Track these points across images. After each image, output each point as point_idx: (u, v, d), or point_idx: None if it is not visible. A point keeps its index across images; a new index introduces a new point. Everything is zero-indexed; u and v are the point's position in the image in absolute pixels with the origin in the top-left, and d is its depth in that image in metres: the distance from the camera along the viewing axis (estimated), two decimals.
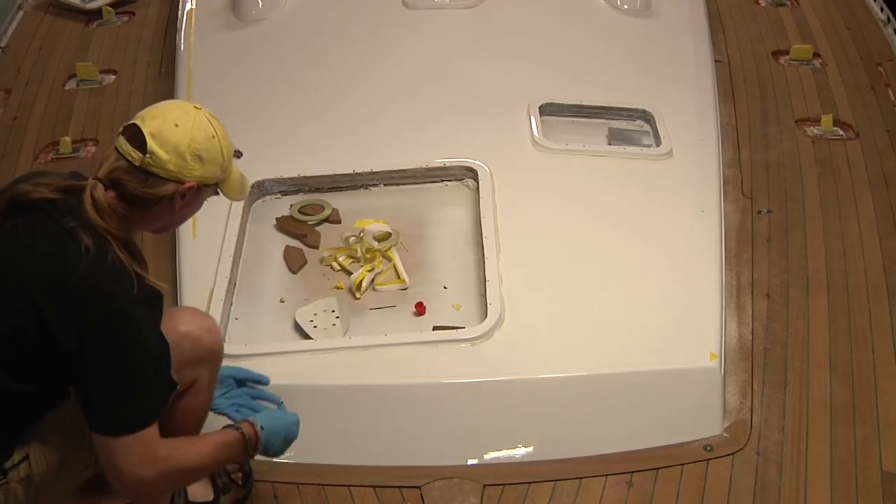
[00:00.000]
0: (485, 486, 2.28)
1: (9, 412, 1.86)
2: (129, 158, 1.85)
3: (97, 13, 4.33)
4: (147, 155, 1.85)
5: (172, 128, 1.87)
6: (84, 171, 3.30)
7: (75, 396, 1.86)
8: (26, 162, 3.46)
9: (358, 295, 2.73)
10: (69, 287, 1.75)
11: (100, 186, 1.84)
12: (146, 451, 1.80)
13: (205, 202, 2.01)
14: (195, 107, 1.94)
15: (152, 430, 1.81)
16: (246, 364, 2.44)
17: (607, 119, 3.36)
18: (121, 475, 1.80)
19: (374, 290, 2.76)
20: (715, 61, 3.73)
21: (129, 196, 1.86)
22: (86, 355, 1.76)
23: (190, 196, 1.93)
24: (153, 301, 1.85)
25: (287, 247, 2.91)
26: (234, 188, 2.04)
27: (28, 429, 1.90)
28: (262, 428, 2.00)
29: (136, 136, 1.87)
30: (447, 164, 3.09)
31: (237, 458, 2.05)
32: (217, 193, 2.02)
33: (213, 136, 1.91)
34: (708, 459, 2.36)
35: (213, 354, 2.07)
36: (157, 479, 1.82)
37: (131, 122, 1.90)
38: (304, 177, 3.08)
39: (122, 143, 1.87)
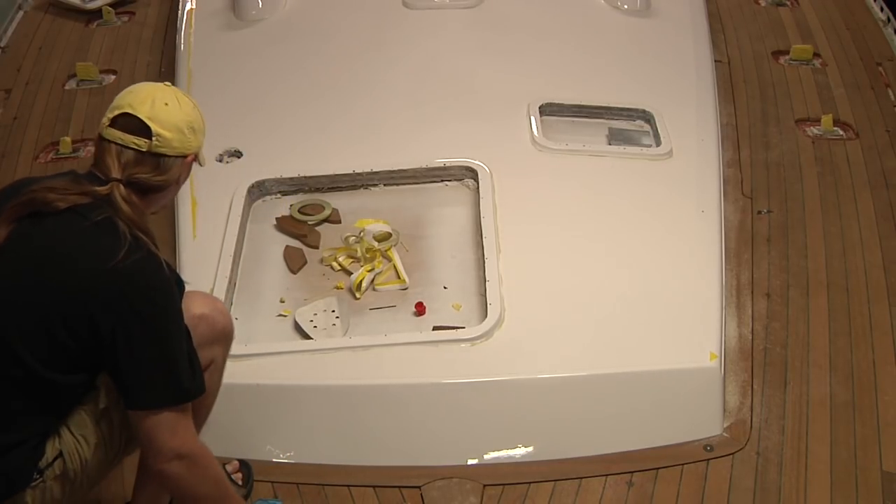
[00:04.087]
0: (485, 486, 2.28)
1: (43, 407, 1.88)
2: (135, 147, 1.89)
3: (97, 13, 4.33)
4: (154, 138, 1.89)
5: (164, 107, 1.92)
6: (83, 171, 3.34)
7: (109, 383, 1.89)
8: (26, 162, 3.46)
9: (358, 295, 2.73)
10: (109, 270, 1.80)
11: (122, 187, 1.88)
12: (186, 430, 1.86)
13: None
14: (165, 84, 1.99)
15: (188, 411, 1.87)
16: (246, 364, 2.45)
17: (607, 119, 3.36)
18: (157, 452, 1.84)
19: (374, 290, 2.76)
20: (715, 61, 3.73)
21: (146, 187, 1.92)
22: (127, 333, 1.80)
23: (187, 169, 2.00)
24: (178, 284, 1.92)
25: (287, 247, 2.90)
26: (202, 155, 2.10)
27: (59, 424, 1.92)
28: None
29: (132, 125, 1.89)
30: (447, 164, 3.10)
31: None
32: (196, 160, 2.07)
33: (195, 107, 2.00)
34: (708, 459, 2.36)
35: (227, 335, 2.11)
36: (191, 457, 1.87)
37: (117, 114, 1.91)
38: (304, 177, 3.08)
39: (120, 135, 1.89)
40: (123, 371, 1.83)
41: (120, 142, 1.90)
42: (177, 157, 1.94)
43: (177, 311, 1.88)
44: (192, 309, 1.96)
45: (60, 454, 1.90)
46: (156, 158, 1.91)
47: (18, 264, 1.84)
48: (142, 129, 1.89)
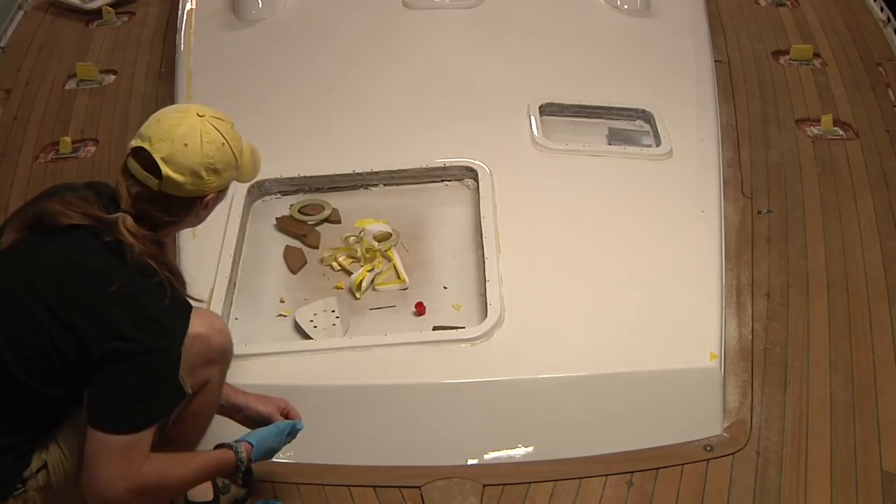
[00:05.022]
0: (485, 486, 2.28)
1: (29, 416, 1.87)
2: (147, 184, 1.88)
3: (97, 13, 4.33)
4: (163, 181, 1.87)
5: (183, 148, 1.87)
6: (84, 173, 3.34)
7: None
8: (26, 162, 3.46)
9: (358, 295, 2.73)
10: (109, 295, 1.79)
11: (129, 219, 1.87)
12: (131, 462, 1.81)
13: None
14: (198, 114, 1.92)
15: (146, 440, 1.83)
16: (246, 364, 2.45)
17: (607, 119, 3.36)
18: (94, 478, 1.80)
19: (374, 290, 2.76)
20: (715, 61, 3.73)
21: (156, 224, 1.91)
22: (110, 356, 1.79)
23: (211, 202, 1.98)
24: (184, 312, 1.90)
25: (287, 247, 2.90)
26: (246, 173, 2.05)
27: (45, 437, 1.91)
28: (252, 445, 2.07)
29: (148, 161, 1.88)
30: (447, 164, 3.09)
31: (225, 476, 2.11)
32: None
33: (223, 144, 1.92)
34: (708, 459, 2.36)
35: (224, 355, 2.07)
36: (126, 494, 1.82)
37: (139, 145, 1.90)
38: (304, 177, 3.08)
39: (136, 168, 1.89)
40: (94, 386, 1.82)
41: (135, 174, 1.89)
42: (192, 198, 1.92)
43: (168, 345, 1.84)
44: (189, 328, 1.92)
45: (45, 466, 1.89)
46: (167, 199, 1.89)
47: (22, 272, 1.84)
48: (156, 168, 1.87)
